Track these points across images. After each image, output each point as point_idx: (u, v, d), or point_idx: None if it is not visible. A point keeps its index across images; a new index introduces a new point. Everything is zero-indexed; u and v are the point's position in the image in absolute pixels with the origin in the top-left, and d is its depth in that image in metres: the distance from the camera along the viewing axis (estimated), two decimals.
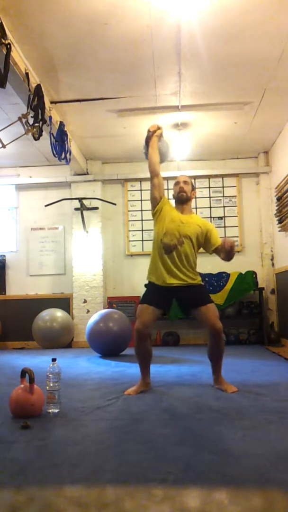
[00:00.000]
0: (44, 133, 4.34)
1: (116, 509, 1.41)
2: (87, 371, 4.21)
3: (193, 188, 3.38)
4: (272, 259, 6.61)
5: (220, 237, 3.27)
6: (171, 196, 3.50)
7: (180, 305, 3.23)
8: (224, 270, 6.38)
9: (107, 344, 5.19)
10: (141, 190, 6.87)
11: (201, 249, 3.29)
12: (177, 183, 3.34)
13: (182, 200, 3.30)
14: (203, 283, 3.29)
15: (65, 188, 6.91)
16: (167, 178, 6.27)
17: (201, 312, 3.11)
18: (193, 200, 3.46)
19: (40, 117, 4.14)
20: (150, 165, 3.37)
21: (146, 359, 3.19)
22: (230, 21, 3.56)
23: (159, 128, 3.45)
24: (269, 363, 4.47)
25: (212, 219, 6.73)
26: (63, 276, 6.87)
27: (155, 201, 3.33)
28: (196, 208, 6.67)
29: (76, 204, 6.73)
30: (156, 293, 3.19)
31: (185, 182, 3.31)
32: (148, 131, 3.45)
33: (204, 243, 3.25)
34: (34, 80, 4.15)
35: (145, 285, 3.30)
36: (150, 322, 3.12)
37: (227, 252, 3.07)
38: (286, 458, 1.79)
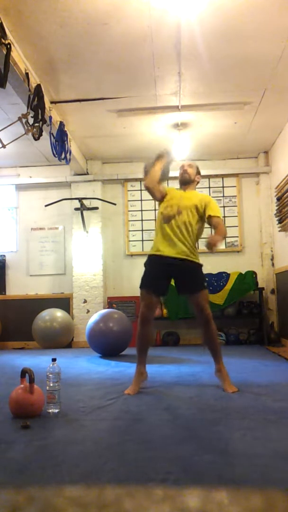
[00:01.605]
0: (44, 133, 4.34)
1: (116, 509, 1.41)
2: (87, 371, 4.21)
3: (198, 173, 3.44)
4: (272, 259, 6.61)
5: (215, 216, 3.24)
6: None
7: (176, 284, 3.26)
8: (224, 270, 6.39)
9: (107, 344, 5.19)
10: (141, 190, 6.87)
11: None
12: (182, 166, 3.43)
13: (185, 181, 3.38)
14: (202, 264, 3.29)
15: (65, 188, 6.91)
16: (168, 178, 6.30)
17: (193, 296, 3.18)
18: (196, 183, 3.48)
19: (40, 117, 4.14)
20: (154, 193, 3.34)
21: (146, 344, 3.21)
22: (230, 21, 3.56)
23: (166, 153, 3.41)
24: (269, 363, 4.47)
25: None
26: (63, 276, 6.87)
27: (162, 199, 3.38)
28: None
29: (76, 204, 6.73)
30: (154, 273, 3.21)
31: (189, 165, 3.41)
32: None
33: (203, 213, 3.27)
34: (34, 80, 4.15)
35: (144, 264, 3.31)
36: (154, 304, 3.20)
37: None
38: (286, 458, 1.79)
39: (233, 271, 6.36)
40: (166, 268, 3.19)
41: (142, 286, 3.24)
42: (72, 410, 2.62)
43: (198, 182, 3.45)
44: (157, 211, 3.48)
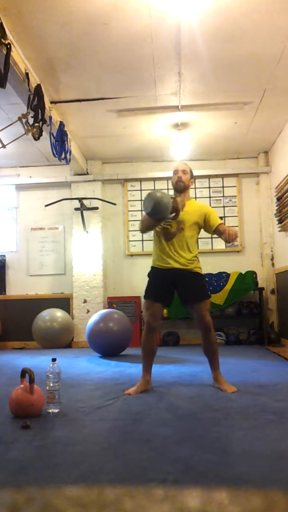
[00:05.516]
0: (44, 133, 4.33)
1: (116, 509, 1.41)
2: (87, 371, 4.21)
3: (192, 176, 3.42)
4: (272, 259, 6.61)
5: (221, 223, 3.29)
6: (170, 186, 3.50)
7: (180, 295, 3.28)
8: (224, 270, 6.39)
9: (107, 344, 5.19)
10: (141, 190, 6.87)
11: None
12: (175, 172, 3.38)
13: (180, 190, 3.35)
14: (202, 272, 3.32)
15: (65, 188, 6.90)
16: (167, 178, 6.29)
17: (196, 305, 3.21)
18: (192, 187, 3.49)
19: (40, 117, 4.14)
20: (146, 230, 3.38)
21: (151, 353, 3.23)
22: (230, 21, 3.56)
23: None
24: (269, 363, 4.47)
25: None
26: (63, 276, 6.87)
27: None
28: None
29: (76, 204, 6.73)
30: (157, 284, 3.25)
31: (183, 171, 3.35)
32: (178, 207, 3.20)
33: (204, 225, 3.30)
34: (34, 80, 4.15)
35: (148, 274, 3.35)
36: (159, 314, 3.24)
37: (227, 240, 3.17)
38: (286, 458, 1.79)
39: (233, 271, 6.36)
40: (170, 278, 3.22)
41: (146, 297, 3.28)
42: (72, 410, 2.62)
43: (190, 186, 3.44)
44: None
